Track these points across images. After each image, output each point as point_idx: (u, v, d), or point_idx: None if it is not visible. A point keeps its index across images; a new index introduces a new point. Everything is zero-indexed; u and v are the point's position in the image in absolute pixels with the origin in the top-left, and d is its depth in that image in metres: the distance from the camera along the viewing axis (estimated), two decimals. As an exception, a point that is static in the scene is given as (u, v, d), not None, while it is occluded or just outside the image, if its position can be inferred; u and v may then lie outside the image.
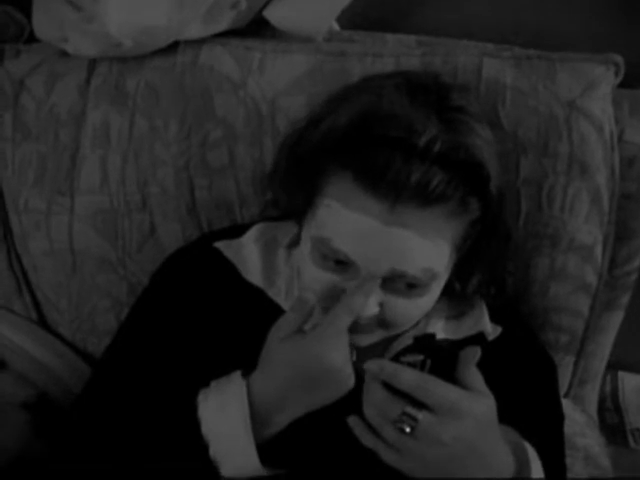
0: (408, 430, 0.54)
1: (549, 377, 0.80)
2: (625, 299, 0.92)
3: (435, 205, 0.59)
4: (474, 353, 0.58)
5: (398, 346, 0.73)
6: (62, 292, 0.99)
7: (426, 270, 0.62)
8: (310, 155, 0.67)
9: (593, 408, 1.01)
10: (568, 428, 0.85)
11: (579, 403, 0.97)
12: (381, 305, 0.64)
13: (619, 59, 0.83)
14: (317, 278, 0.65)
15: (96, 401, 0.74)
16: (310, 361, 0.60)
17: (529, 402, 0.73)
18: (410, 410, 0.54)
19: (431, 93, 0.65)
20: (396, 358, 0.60)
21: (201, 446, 0.61)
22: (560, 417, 0.78)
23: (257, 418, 0.61)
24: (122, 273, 0.96)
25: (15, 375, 0.95)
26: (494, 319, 0.76)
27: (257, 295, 0.75)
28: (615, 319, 0.93)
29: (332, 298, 0.64)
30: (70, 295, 0.99)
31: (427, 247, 0.61)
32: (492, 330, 0.75)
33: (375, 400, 0.57)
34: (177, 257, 0.82)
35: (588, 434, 0.92)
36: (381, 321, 0.65)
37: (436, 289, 0.66)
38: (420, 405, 0.55)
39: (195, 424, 0.62)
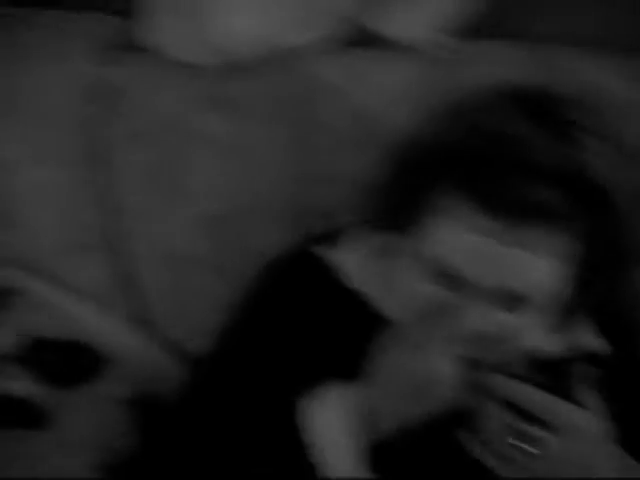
0: (536, 452, 0.56)
1: None
2: None
3: (554, 225, 0.59)
4: (588, 372, 0.61)
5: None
6: (166, 294, 1.02)
7: (537, 288, 0.62)
8: (420, 171, 0.67)
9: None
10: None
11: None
12: (486, 318, 0.63)
13: None
14: (421, 292, 0.65)
15: (201, 403, 0.76)
16: (417, 371, 0.61)
17: None
18: (537, 433, 0.56)
19: (543, 107, 0.64)
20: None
21: (306, 451, 0.63)
22: None
23: (364, 426, 0.62)
24: (224, 276, 0.98)
25: (120, 372, 0.98)
26: (604, 336, 0.75)
27: (358, 301, 0.75)
28: None
29: (436, 312, 0.63)
30: (173, 296, 1.01)
31: (542, 266, 0.60)
32: (600, 349, 0.74)
33: (497, 421, 0.58)
34: (278, 262, 0.83)
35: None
36: (489, 336, 0.64)
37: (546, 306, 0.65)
38: (540, 422, 0.56)
39: (298, 429, 0.64)
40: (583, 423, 0.56)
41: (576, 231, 0.61)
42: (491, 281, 0.61)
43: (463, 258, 0.61)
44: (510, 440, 0.57)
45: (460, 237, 0.61)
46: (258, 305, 0.80)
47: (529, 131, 0.61)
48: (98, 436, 0.93)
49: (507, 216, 0.58)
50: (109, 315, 1.04)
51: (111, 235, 1.02)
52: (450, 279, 0.63)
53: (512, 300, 0.62)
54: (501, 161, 0.60)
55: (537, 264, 0.60)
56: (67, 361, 0.98)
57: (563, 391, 0.58)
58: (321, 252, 0.79)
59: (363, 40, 0.95)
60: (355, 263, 0.78)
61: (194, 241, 0.98)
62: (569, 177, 0.59)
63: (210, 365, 0.81)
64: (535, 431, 0.56)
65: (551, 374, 0.59)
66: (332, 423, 0.64)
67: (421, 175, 0.66)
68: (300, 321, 0.75)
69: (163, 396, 0.99)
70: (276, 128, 0.93)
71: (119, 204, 1.01)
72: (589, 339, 0.74)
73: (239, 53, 0.93)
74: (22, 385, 0.96)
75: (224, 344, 0.80)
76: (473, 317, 0.62)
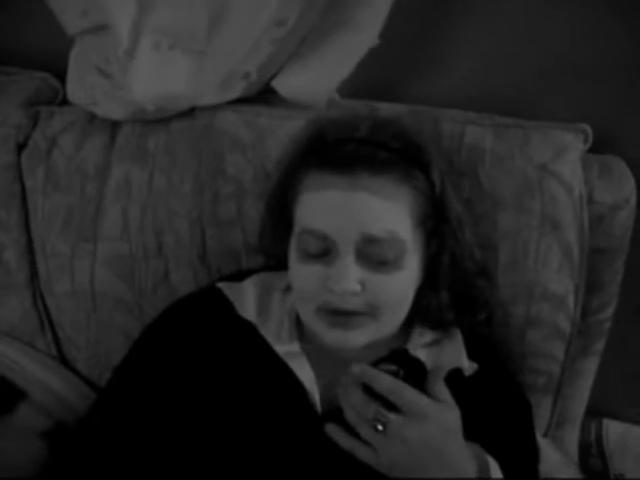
0: (380, 428, 0.62)
1: (523, 414, 0.86)
2: (599, 346, 0.99)
3: (384, 173, 0.73)
4: (442, 369, 0.68)
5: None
6: (81, 330, 1.08)
7: (390, 232, 0.72)
8: (289, 174, 0.80)
9: (573, 450, 1.07)
10: (546, 466, 0.91)
11: (559, 444, 1.03)
12: (363, 284, 0.72)
13: (587, 128, 0.93)
14: (305, 274, 0.75)
15: (93, 426, 0.82)
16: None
17: (505, 436, 0.78)
18: (383, 411, 0.62)
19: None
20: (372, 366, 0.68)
21: None
22: (535, 453, 0.85)
23: None
24: (137, 313, 1.05)
25: (35, 406, 1.03)
26: (471, 357, 0.83)
27: (249, 330, 0.82)
28: (591, 365, 1.00)
29: (322, 291, 0.73)
30: (89, 333, 1.08)
31: (386, 208, 0.72)
32: (469, 366, 0.82)
33: (354, 401, 0.64)
34: (183, 299, 0.89)
35: (566, 472, 0.97)
36: (368, 305, 0.73)
37: (410, 266, 0.75)
38: (393, 408, 0.63)
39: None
40: (431, 410, 0.62)
41: (408, 180, 0.74)
42: (349, 232, 0.71)
43: (321, 216, 0.73)
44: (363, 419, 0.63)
45: (315, 199, 0.74)
46: (155, 336, 0.86)
47: (355, 120, 0.79)
48: (16, 464, 0.97)
49: (344, 169, 0.72)
50: (27, 350, 1.09)
51: (30, 274, 1.09)
52: (323, 257, 0.73)
53: (378, 263, 0.72)
54: (338, 141, 0.76)
55: (379, 204, 0.71)
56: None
57: (417, 384, 0.64)
58: (222, 286, 0.87)
59: (268, 100, 1.05)
60: (251, 297, 0.86)
61: (109, 281, 1.05)
62: (394, 146, 0.75)
63: (107, 388, 0.86)
64: (382, 411, 0.62)
65: (409, 368, 0.66)
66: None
67: (290, 176, 0.80)
68: (194, 351, 0.81)
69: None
70: (187, 178, 1.01)
71: (37, 245, 1.07)
72: (459, 359, 0.81)
73: (158, 110, 1.02)
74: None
75: (119, 375, 0.85)
76: (341, 280, 0.70)
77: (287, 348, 0.80)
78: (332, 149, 0.76)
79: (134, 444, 0.78)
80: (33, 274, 1.09)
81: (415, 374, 0.66)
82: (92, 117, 1.08)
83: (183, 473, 0.74)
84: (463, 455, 0.65)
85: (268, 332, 0.82)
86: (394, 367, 0.65)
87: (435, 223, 0.78)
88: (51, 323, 1.11)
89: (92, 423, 0.83)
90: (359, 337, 0.74)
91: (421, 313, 0.82)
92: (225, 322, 0.83)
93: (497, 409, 0.81)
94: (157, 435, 0.77)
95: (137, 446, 0.78)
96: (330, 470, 0.71)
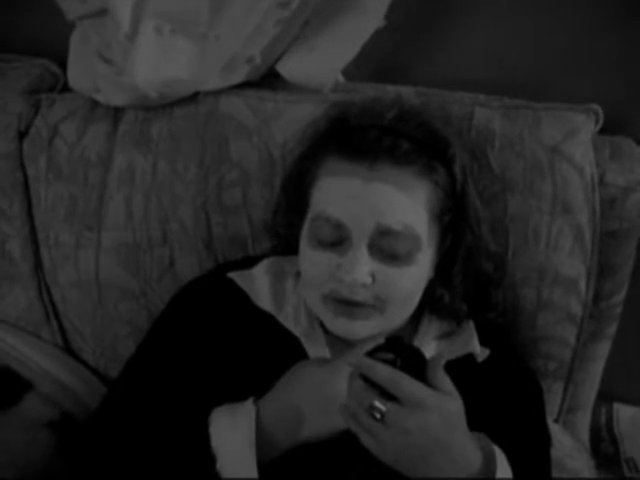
0: (378, 417, 0.60)
1: (535, 398, 0.84)
2: (611, 330, 0.98)
3: (405, 165, 0.72)
4: (442, 357, 0.65)
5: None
6: (87, 320, 1.07)
7: (407, 226, 0.71)
8: (302, 165, 0.79)
9: (584, 435, 1.06)
10: (557, 451, 0.91)
11: (570, 430, 1.02)
12: (373, 277, 0.71)
13: (598, 108, 0.91)
14: (315, 260, 0.74)
15: (110, 416, 0.79)
16: (320, 387, 0.68)
17: (516, 421, 0.77)
18: (380, 400, 0.60)
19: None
20: (369, 355, 0.65)
21: (209, 459, 0.67)
22: (546, 437, 0.83)
23: (262, 440, 0.67)
24: (143, 302, 1.04)
25: (42, 396, 1.02)
26: (483, 343, 0.82)
27: (267, 320, 0.81)
28: (602, 349, 0.99)
29: (330, 279, 0.72)
30: (94, 323, 1.07)
31: (405, 201, 0.71)
32: (481, 352, 0.80)
33: (354, 390, 0.63)
34: (193, 285, 0.88)
35: (577, 457, 0.96)
36: (376, 298, 0.72)
37: (422, 262, 0.74)
38: (391, 397, 0.60)
39: (205, 438, 0.68)
40: (429, 399, 0.59)
41: (429, 173, 0.73)
42: (366, 222, 0.70)
43: (338, 203, 0.72)
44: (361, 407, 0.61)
45: (333, 186, 0.73)
46: (172, 323, 0.84)
47: (381, 106, 0.77)
48: (23, 455, 0.96)
49: (365, 157, 0.72)
50: (32, 341, 1.09)
51: (34, 265, 1.08)
52: (337, 245, 0.72)
53: (390, 257, 0.71)
54: (360, 126, 0.75)
55: (398, 196, 0.71)
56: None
57: (415, 372, 0.61)
58: (234, 276, 0.85)
59: (273, 84, 1.03)
60: (265, 285, 0.84)
61: (114, 270, 1.03)
62: (415, 135, 0.74)
63: (120, 380, 0.84)
64: (379, 400, 0.60)
65: (407, 357, 0.63)
66: (236, 437, 0.68)
67: (309, 157, 0.79)
68: (211, 338, 0.80)
69: (85, 419, 1.03)
70: (191, 164, 1.00)
71: (41, 235, 1.06)
72: (471, 345, 0.80)
73: (161, 96, 1.01)
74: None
75: (136, 361, 0.83)
76: (352, 270, 0.70)
77: (308, 334, 0.79)
78: (355, 135, 0.74)
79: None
80: (37, 264, 1.08)
81: (413, 363, 0.63)
82: (94, 104, 1.06)
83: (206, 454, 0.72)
84: (467, 445, 0.63)
85: (287, 320, 0.81)
86: (391, 356, 0.63)
87: (452, 218, 0.77)
88: (56, 313, 1.10)
89: (112, 415, 0.80)
90: (363, 328, 0.73)
91: (432, 305, 0.81)
92: (242, 313, 0.82)
93: (509, 394, 0.80)
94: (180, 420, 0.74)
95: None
96: (349, 454, 0.69)
